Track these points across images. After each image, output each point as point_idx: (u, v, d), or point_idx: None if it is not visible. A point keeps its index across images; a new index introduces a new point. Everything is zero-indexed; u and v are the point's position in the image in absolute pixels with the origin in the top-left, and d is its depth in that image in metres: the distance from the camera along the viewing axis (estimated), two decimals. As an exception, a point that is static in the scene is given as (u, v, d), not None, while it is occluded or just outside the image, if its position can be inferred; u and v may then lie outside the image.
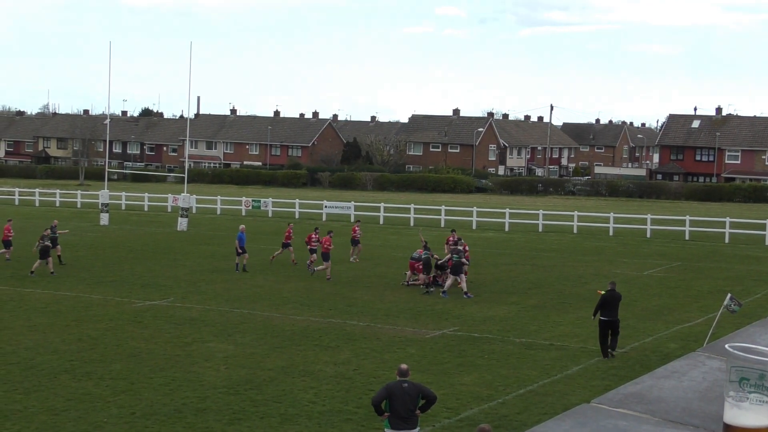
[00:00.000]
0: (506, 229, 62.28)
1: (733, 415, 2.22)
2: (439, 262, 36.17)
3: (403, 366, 15.67)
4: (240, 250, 39.66)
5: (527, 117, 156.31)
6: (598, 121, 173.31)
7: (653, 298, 34.94)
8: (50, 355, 24.02)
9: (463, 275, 34.32)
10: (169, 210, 72.23)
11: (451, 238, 38.94)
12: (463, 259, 34.67)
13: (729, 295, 25.71)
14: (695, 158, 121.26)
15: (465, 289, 33.92)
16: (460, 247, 35.22)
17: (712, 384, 3.14)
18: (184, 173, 71.69)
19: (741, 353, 2.21)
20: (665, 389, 3.06)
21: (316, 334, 27.24)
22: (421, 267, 36.31)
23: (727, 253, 50.68)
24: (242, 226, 41.55)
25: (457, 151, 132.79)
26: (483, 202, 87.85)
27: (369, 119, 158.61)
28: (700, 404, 2.94)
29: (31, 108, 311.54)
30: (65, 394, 20.43)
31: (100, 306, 31.14)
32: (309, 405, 19.97)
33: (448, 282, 34.32)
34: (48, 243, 38.09)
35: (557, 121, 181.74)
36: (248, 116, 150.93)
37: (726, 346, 2.25)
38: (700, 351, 3.63)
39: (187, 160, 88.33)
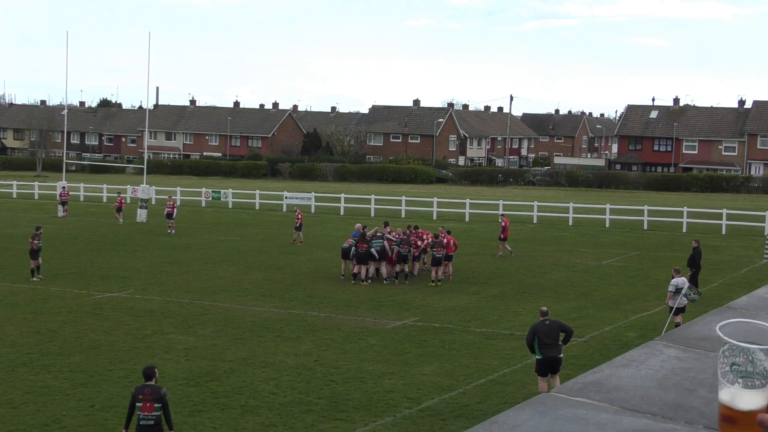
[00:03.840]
0: (467, 219, 62.47)
1: (724, 398, 2.24)
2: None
3: (544, 308, 20.36)
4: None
5: (487, 107, 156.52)
6: (557, 111, 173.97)
7: (612, 288, 35.24)
8: (8, 348, 23.78)
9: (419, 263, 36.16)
10: (128, 201, 71.71)
11: (441, 235, 38.06)
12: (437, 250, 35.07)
13: (687, 284, 26.03)
14: (653, 148, 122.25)
15: (437, 277, 35.07)
16: (442, 239, 35.57)
17: (669, 372, 3.17)
18: (144, 164, 71.24)
19: (730, 339, 2.21)
20: (624, 378, 3.09)
21: (277, 325, 27.20)
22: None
23: (685, 242, 51.08)
24: (358, 225, 37.26)
25: (418, 141, 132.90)
26: (443, 192, 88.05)
27: (329, 110, 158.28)
28: (657, 392, 2.97)
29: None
30: (23, 387, 20.25)
31: (59, 298, 30.87)
32: (270, 396, 19.94)
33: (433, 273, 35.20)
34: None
35: (517, 111, 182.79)
36: (208, 107, 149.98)
37: (717, 328, 2.26)
38: (658, 340, 3.67)
39: (146, 151, 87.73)
